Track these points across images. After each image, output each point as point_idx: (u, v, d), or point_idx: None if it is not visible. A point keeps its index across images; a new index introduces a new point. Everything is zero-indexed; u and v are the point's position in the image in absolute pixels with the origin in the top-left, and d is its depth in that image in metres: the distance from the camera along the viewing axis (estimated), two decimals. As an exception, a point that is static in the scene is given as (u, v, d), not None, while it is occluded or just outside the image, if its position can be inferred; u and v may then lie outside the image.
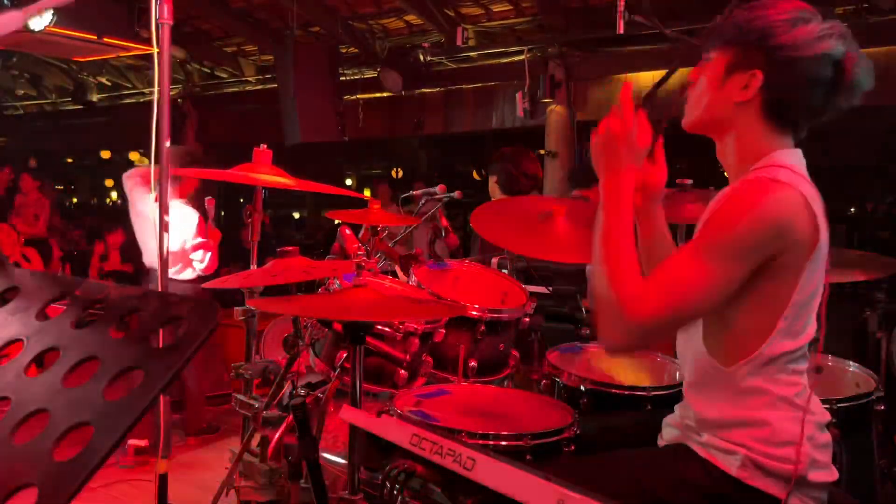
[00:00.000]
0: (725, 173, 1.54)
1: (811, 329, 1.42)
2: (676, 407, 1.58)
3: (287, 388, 2.27)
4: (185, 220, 4.23)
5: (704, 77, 1.48)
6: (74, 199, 17.72)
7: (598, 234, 1.41)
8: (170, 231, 4.26)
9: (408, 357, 2.14)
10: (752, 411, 1.39)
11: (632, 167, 1.46)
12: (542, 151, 6.69)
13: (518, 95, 6.40)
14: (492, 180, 3.63)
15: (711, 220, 1.36)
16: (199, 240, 4.27)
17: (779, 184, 1.33)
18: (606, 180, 1.46)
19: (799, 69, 1.37)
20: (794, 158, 1.42)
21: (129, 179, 4.27)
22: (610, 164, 1.46)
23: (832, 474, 1.43)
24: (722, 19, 1.47)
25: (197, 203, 4.44)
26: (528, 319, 2.41)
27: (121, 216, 10.28)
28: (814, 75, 1.37)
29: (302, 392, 2.17)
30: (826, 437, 1.45)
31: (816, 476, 1.39)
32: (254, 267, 2.55)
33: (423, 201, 3.84)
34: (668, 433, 1.57)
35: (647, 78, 6.37)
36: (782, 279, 1.34)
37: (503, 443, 1.67)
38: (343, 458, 2.08)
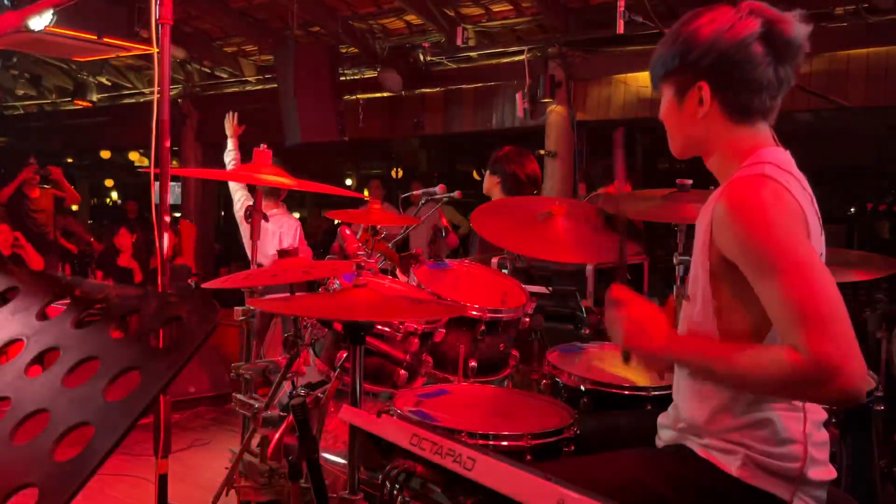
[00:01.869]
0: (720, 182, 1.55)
1: None
2: (671, 407, 1.58)
3: (287, 388, 2.27)
4: (291, 228, 4.60)
5: (663, 109, 1.58)
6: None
7: (727, 368, 1.32)
8: (275, 239, 4.44)
9: (408, 357, 2.15)
10: (752, 411, 1.39)
11: (663, 331, 1.43)
12: (542, 151, 6.68)
13: (518, 95, 6.39)
14: (492, 180, 3.61)
15: (743, 249, 1.32)
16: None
17: (763, 178, 1.36)
18: (661, 349, 1.41)
19: (730, 62, 1.41)
20: (777, 155, 1.43)
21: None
22: (651, 339, 1.42)
23: (830, 472, 1.43)
24: (652, 59, 1.56)
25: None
26: (528, 319, 2.41)
27: (121, 216, 10.28)
28: (746, 59, 1.40)
29: (302, 392, 2.17)
30: (824, 435, 1.45)
31: (816, 474, 1.40)
32: (254, 267, 2.55)
33: (423, 201, 3.84)
34: (666, 434, 1.57)
35: (646, 78, 6.36)
36: None
37: (503, 443, 1.67)
38: (343, 458, 2.07)
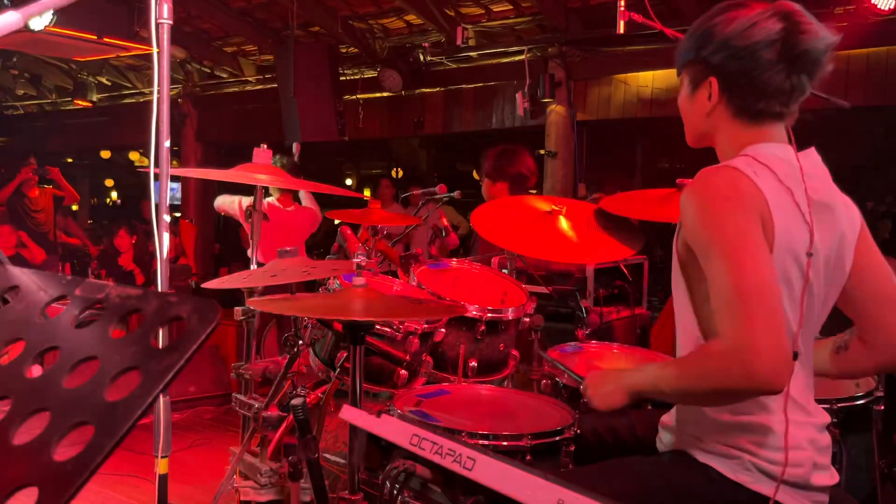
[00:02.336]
0: None
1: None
2: (672, 410, 1.57)
3: (287, 387, 2.27)
4: (303, 218, 4.76)
5: (680, 100, 1.58)
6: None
7: (675, 384, 1.35)
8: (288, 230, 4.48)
9: (408, 357, 2.15)
10: (753, 415, 1.39)
11: (618, 378, 1.49)
12: (541, 151, 6.68)
13: (518, 95, 6.39)
14: (497, 187, 3.56)
15: (693, 231, 1.35)
16: None
17: (726, 167, 1.38)
18: (627, 385, 1.46)
19: (741, 62, 1.41)
20: (760, 149, 1.41)
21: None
22: (618, 384, 1.48)
23: (833, 477, 1.42)
24: (677, 49, 1.56)
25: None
26: (528, 319, 2.41)
27: (120, 216, 10.28)
28: (755, 64, 1.39)
29: (302, 392, 2.17)
30: (826, 439, 1.45)
31: (818, 479, 1.39)
32: (254, 267, 2.55)
33: (422, 201, 3.85)
34: (667, 437, 1.56)
35: (646, 78, 6.38)
36: None
37: (503, 443, 1.67)
38: (343, 458, 2.08)
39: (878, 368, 1.57)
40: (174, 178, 2.09)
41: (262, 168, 2.44)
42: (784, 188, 1.37)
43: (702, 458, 1.43)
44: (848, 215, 1.48)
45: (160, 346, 0.65)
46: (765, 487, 1.36)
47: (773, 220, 1.33)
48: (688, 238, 1.38)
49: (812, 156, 1.46)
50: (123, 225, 6.90)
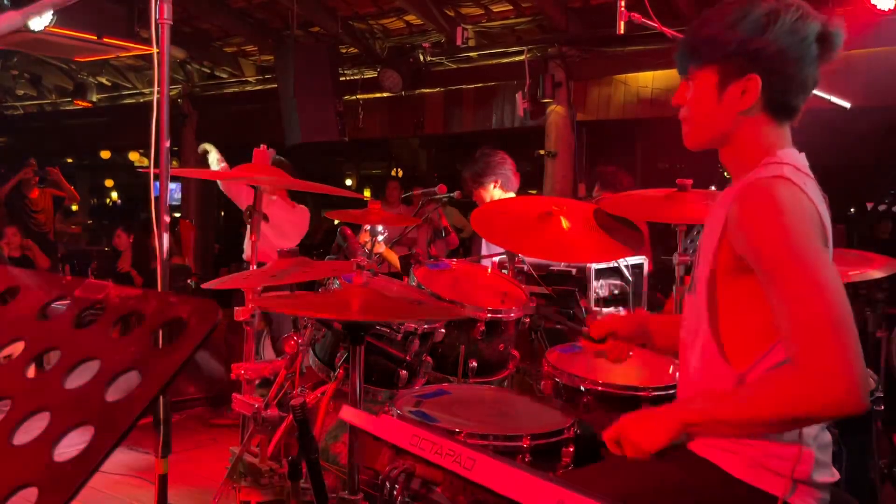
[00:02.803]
0: (726, 174, 1.54)
1: None
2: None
3: (287, 388, 2.27)
4: (302, 218, 4.64)
5: (695, 97, 1.47)
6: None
7: (747, 412, 1.30)
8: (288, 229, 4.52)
9: (408, 357, 2.15)
10: None
11: (666, 412, 1.39)
12: (541, 151, 6.68)
13: (518, 95, 6.39)
14: (485, 189, 3.60)
15: (756, 249, 1.31)
16: None
17: (783, 180, 1.33)
18: (685, 422, 1.36)
19: (791, 59, 1.38)
20: (795, 156, 1.42)
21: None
22: (666, 421, 1.37)
23: (834, 475, 1.43)
24: (689, 38, 1.47)
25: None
26: (528, 319, 2.41)
27: (119, 216, 10.27)
28: (803, 58, 1.38)
29: (302, 392, 2.17)
30: (827, 437, 1.45)
31: (820, 476, 1.39)
32: (254, 267, 2.55)
33: (422, 201, 3.85)
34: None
35: (646, 78, 6.38)
36: None
37: (503, 443, 1.67)
38: (343, 458, 2.08)
39: None
40: (174, 179, 2.09)
41: (262, 168, 2.44)
42: (823, 196, 1.37)
43: (704, 453, 1.43)
44: None
45: (160, 346, 0.65)
46: (768, 483, 1.36)
47: (826, 232, 1.34)
48: (746, 252, 1.33)
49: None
50: (120, 225, 6.90)
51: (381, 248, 3.27)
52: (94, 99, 8.83)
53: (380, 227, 3.15)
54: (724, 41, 1.40)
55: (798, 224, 1.28)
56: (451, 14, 6.56)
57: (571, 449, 1.73)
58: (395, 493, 1.46)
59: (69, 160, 13.79)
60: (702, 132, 1.49)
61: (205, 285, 2.09)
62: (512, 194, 3.67)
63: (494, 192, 3.60)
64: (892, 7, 4.59)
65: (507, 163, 3.65)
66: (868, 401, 1.19)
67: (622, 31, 2.62)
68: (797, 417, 1.25)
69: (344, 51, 7.24)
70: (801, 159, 1.42)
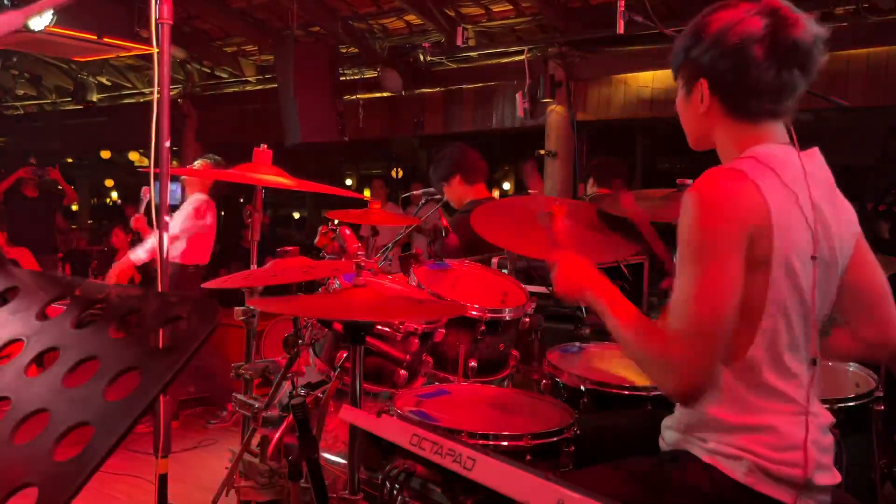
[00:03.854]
0: None
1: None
2: (676, 409, 1.57)
3: (287, 387, 2.27)
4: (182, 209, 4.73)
5: (677, 102, 1.59)
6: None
7: (617, 329, 1.46)
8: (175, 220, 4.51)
9: (408, 357, 2.14)
10: (757, 415, 1.39)
11: (587, 275, 1.59)
12: (541, 151, 6.68)
13: (518, 95, 6.39)
14: (450, 186, 3.60)
15: (680, 231, 1.38)
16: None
17: (727, 171, 1.37)
18: (589, 290, 1.56)
19: (728, 61, 1.41)
20: (763, 150, 1.41)
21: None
22: (581, 279, 1.58)
23: (835, 477, 1.43)
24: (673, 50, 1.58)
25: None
26: (528, 319, 2.41)
27: (119, 216, 10.27)
28: (744, 61, 1.39)
29: (302, 392, 2.17)
30: (829, 439, 1.45)
31: (821, 479, 1.39)
32: (254, 267, 2.55)
33: (423, 201, 3.85)
34: (670, 436, 1.56)
35: (646, 78, 6.37)
36: (753, 276, 1.34)
37: (503, 443, 1.67)
38: (343, 458, 2.07)
39: (862, 359, 1.61)
40: (174, 179, 2.09)
41: (262, 168, 2.44)
42: (789, 191, 1.37)
43: (705, 457, 1.42)
44: (847, 217, 1.49)
45: (160, 346, 0.65)
46: (768, 488, 1.36)
47: (774, 227, 1.33)
48: (677, 233, 1.40)
49: (815, 156, 1.46)
50: (118, 224, 6.90)
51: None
52: (94, 99, 8.83)
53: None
54: (678, 48, 1.52)
55: (718, 221, 1.33)
56: (451, 14, 6.56)
57: (571, 449, 1.73)
58: (395, 493, 1.46)
59: (69, 160, 13.79)
60: (688, 134, 1.60)
61: (205, 285, 2.09)
62: (483, 185, 3.66)
63: (461, 186, 3.60)
64: (892, 7, 4.59)
65: (466, 154, 3.65)
66: (697, 399, 1.36)
67: (622, 31, 2.62)
68: (642, 366, 1.43)
69: (344, 51, 7.24)
70: (770, 152, 1.40)
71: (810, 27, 1.39)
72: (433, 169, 3.72)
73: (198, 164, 4.78)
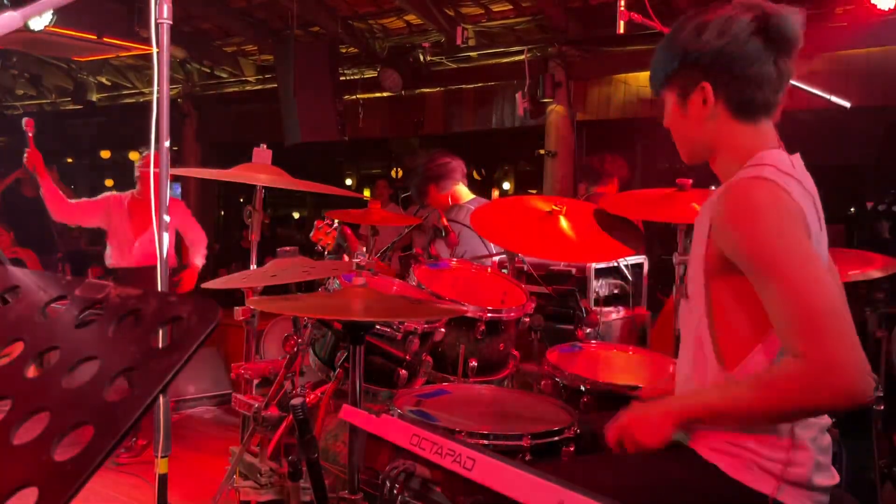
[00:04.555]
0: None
1: None
2: None
3: (287, 387, 2.27)
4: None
5: (668, 117, 1.57)
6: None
7: (745, 413, 1.34)
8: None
9: (408, 357, 2.15)
10: None
11: (665, 406, 1.42)
12: (541, 151, 6.68)
13: (518, 95, 6.39)
14: (429, 197, 3.57)
15: (744, 250, 1.33)
16: None
17: (761, 180, 1.36)
18: (678, 416, 1.39)
19: (730, 59, 1.42)
20: (777, 157, 1.43)
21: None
22: (668, 413, 1.40)
23: (834, 477, 1.43)
24: (651, 66, 1.57)
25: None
26: (528, 319, 2.41)
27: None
28: (745, 54, 1.41)
29: (302, 392, 2.17)
30: (827, 439, 1.45)
31: (820, 479, 1.39)
32: (254, 267, 2.55)
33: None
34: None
35: (646, 78, 6.35)
36: None
37: (503, 443, 1.67)
38: (343, 458, 2.07)
39: None
40: (174, 178, 2.09)
41: (262, 168, 2.44)
42: (808, 195, 1.39)
43: (705, 455, 1.43)
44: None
45: (160, 346, 0.65)
46: (766, 486, 1.37)
47: (810, 230, 1.35)
48: (733, 255, 1.35)
49: (800, 161, 1.48)
50: None
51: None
52: (94, 99, 8.83)
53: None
54: (667, 59, 1.51)
55: (781, 222, 1.31)
56: (451, 14, 6.55)
57: (571, 449, 1.73)
58: (395, 492, 1.46)
59: (69, 160, 13.79)
60: (685, 148, 1.58)
61: (205, 285, 2.09)
62: (461, 186, 3.59)
63: (439, 195, 3.57)
64: (892, 7, 4.58)
65: (430, 162, 3.59)
66: (871, 390, 1.21)
67: (622, 31, 2.62)
68: (804, 408, 1.26)
69: (344, 50, 7.24)
70: (784, 159, 1.43)
71: (791, 13, 1.42)
72: (412, 191, 3.68)
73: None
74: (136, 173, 4.51)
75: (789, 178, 1.38)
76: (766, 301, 1.30)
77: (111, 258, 4.49)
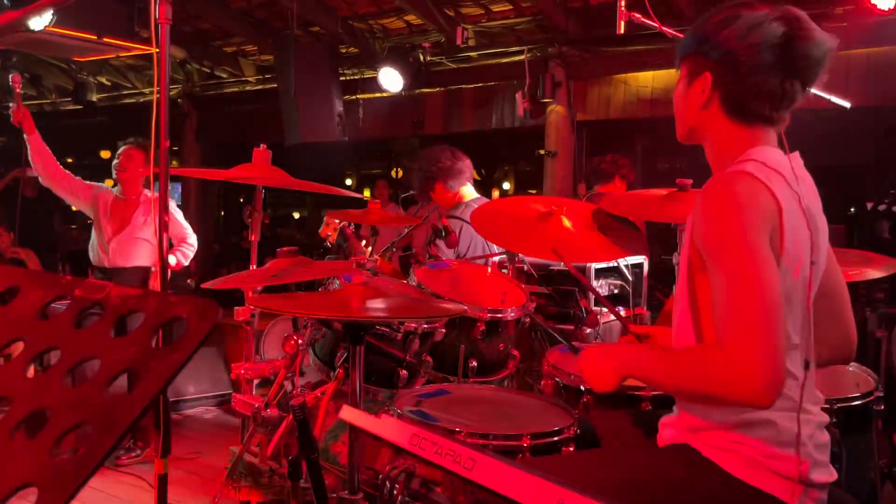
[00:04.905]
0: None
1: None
2: (675, 407, 1.58)
3: (287, 388, 2.27)
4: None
5: (676, 89, 1.57)
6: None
7: (670, 382, 1.36)
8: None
9: (408, 357, 2.15)
10: (755, 412, 1.39)
11: (614, 357, 1.46)
12: (541, 151, 6.68)
13: (518, 95, 6.39)
14: (435, 192, 3.55)
15: (706, 238, 1.34)
16: None
17: (742, 174, 1.36)
18: (625, 373, 1.44)
19: (737, 63, 1.42)
20: (767, 154, 1.42)
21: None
22: (608, 370, 1.45)
23: (832, 474, 1.43)
24: (682, 39, 1.56)
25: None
26: (528, 319, 2.41)
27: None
28: (754, 63, 1.40)
29: (302, 392, 2.17)
30: (825, 436, 1.46)
31: (818, 476, 1.40)
32: (254, 267, 2.55)
33: (423, 201, 3.84)
34: (668, 433, 1.57)
35: (646, 78, 6.37)
36: None
37: (502, 443, 1.67)
38: (343, 458, 2.08)
39: (824, 363, 1.59)
40: (174, 178, 2.09)
41: (262, 168, 2.44)
42: (794, 194, 1.39)
43: (705, 452, 1.43)
44: (823, 219, 1.51)
45: (160, 346, 0.65)
46: (766, 483, 1.37)
47: (784, 229, 1.34)
48: (699, 244, 1.37)
49: (799, 160, 1.48)
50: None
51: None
52: (94, 99, 8.83)
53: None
54: (686, 41, 1.51)
55: (742, 215, 1.31)
56: (451, 14, 6.55)
57: (571, 449, 1.73)
58: (395, 492, 1.46)
59: (69, 160, 13.80)
60: (679, 124, 1.59)
61: (205, 285, 2.09)
62: (469, 185, 3.55)
63: (447, 193, 3.54)
64: (892, 7, 4.58)
65: (449, 157, 3.53)
66: (774, 398, 1.20)
67: (622, 31, 2.62)
68: (707, 394, 1.27)
69: (344, 50, 7.24)
70: (774, 156, 1.42)
71: (824, 41, 1.40)
72: (415, 184, 3.63)
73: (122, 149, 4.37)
74: (115, 174, 4.39)
75: (775, 174, 1.37)
76: (712, 290, 1.31)
77: (91, 254, 4.38)
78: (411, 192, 3.94)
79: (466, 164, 3.59)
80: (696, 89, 1.49)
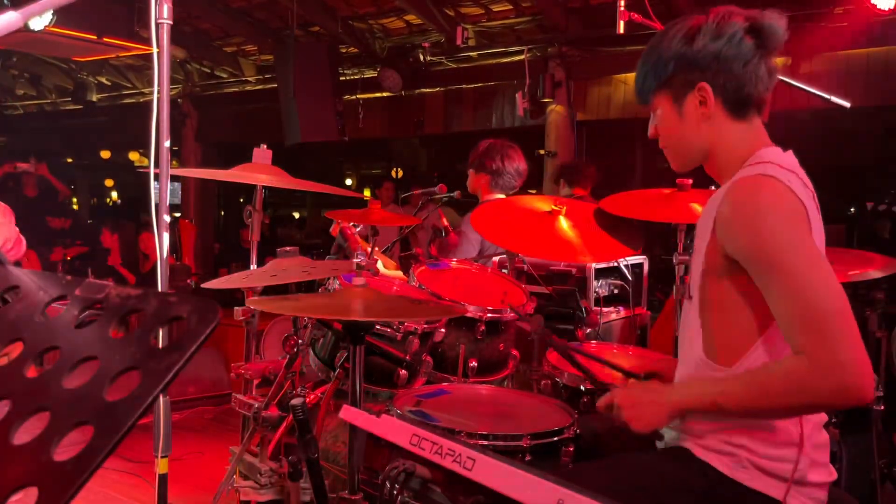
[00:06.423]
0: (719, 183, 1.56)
1: None
2: None
3: (287, 387, 2.27)
4: None
5: (661, 123, 1.55)
6: (74, 199, 17.70)
7: (742, 408, 1.34)
8: None
9: (408, 357, 2.15)
10: None
11: (661, 395, 1.44)
12: (541, 151, 6.68)
13: (518, 95, 6.39)
14: (479, 178, 3.43)
15: (752, 248, 1.33)
16: None
17: (766, 178, 1.37)
18: (673, 408, 1.41)
19: (727, 58, 1.43)
20: (776, 155, 1.44)
21: None
22: (663, 405, 1.42)
23: (831, 474, 1.43)
24: (638, 73, 1.55)
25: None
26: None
27: (115, 216, 10.27)
28: (740, 53, 1.43)
29: (302, 392, 2.17)
30: (824, 436, 1.46)
31: (816, 476, 1.40)
32: (254, 267, 2.55)
33: (422, 201, 3.84)
34: (667, 435, 1.57)
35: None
36: None
37: (503, 443, 1.67)
38: (343, 458, 2.07)
39: None
40: (174, 178, 2.09)
41: (262, 168, 2.44)
42: (809, 191, 1.40)
43: (701, 454, 1.43)
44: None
45: (160, 346, 0.65)
46: (763, 484, 1.37)
47: (812, 226, 1.36)
48: (738, 253, 1.36)
49: (794, 158, 1.49)
50: (106, 224, 6.89)
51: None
52: (94, 99, 8.83)
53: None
54: (662, 62, 1.49)
55: (786, 220, 1.31)
56: (451, 14, 6.55)
57: (571, 449, 1.73)
58: (395, 493, 1.46)
59: (69, 160, 13.79)
60: (680, 154, 1.57)
61: (205, 285, 2.09)
62: (500, 195, 3.36)
63: (482, 186, 3.43)
64: (892, 7, 4.58)
65: (516, 161, 3.36)
66: (872, 389, 1.21)
67: (622, 31, 2.62)
68: (802, 405, 1.28)
69: (344, 51, 7.24)
70: (783, 157, 1.44)
71: (775, 15, 1.44)
72: (477, 151, 3.41)
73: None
74: None
75: (792, 174, 1.39)
76: (770, 299, 1.30)
77: None
78: (411, 192, 3.93)
79: (510, 171, 3.36)
80: (690, 106, 1.49)
